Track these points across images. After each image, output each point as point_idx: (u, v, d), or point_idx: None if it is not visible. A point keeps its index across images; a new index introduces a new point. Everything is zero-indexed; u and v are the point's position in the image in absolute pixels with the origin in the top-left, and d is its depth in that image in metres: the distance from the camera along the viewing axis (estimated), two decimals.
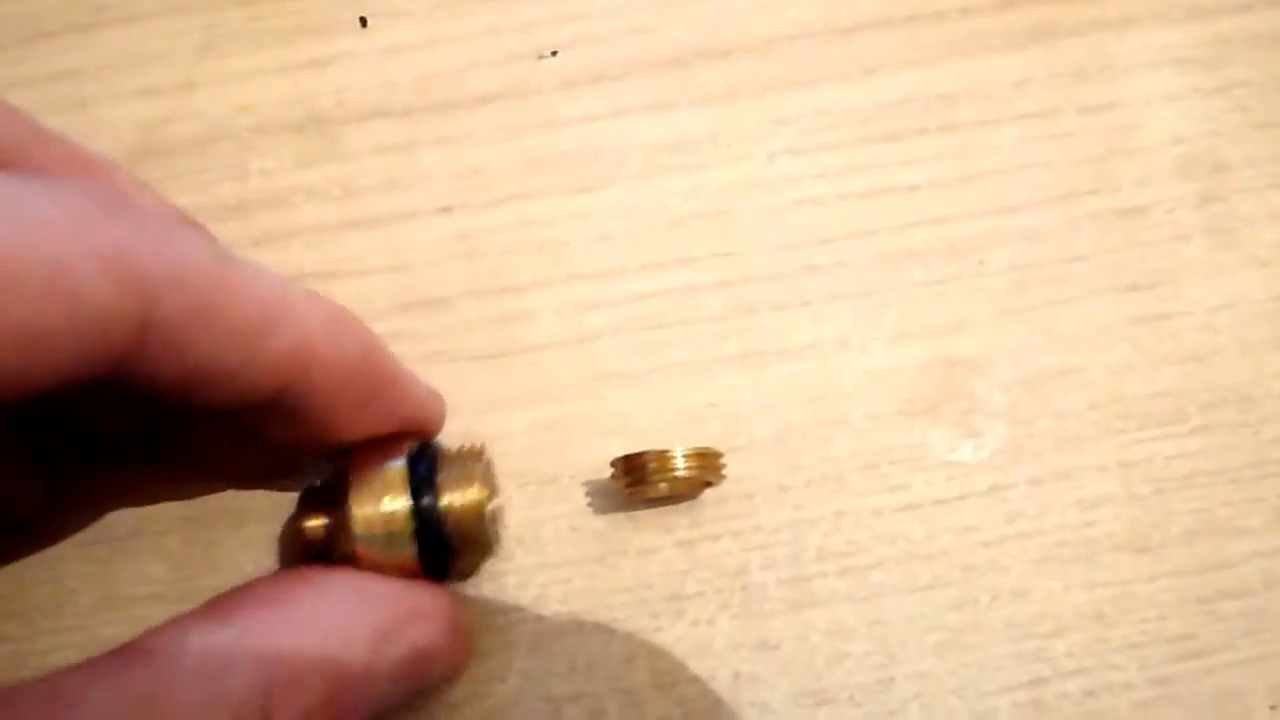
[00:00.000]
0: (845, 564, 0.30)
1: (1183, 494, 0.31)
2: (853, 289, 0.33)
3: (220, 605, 0.24)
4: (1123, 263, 0.33)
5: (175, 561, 0.30)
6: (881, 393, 0.32)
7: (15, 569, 0.30)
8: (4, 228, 0.19)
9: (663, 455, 0.29)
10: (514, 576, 0.30)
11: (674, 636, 0.30)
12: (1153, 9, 0.36)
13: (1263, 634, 0.29)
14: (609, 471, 0.30)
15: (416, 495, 0.26)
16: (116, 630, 0.30)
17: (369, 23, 0.36)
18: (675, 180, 0.34)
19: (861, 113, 0.35)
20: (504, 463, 0.31)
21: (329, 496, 0.27)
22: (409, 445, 0.27)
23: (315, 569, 0.26)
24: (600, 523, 0.31)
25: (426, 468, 0.27)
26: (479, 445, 0.28)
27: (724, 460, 0.30)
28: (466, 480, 0.27)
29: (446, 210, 0.34)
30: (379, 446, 0.27)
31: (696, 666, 0.29)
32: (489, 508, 0.27)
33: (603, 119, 0.35)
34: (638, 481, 0.29)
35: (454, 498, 0.27)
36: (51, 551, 0.31)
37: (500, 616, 0.30)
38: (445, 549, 0.27)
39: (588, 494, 0.31)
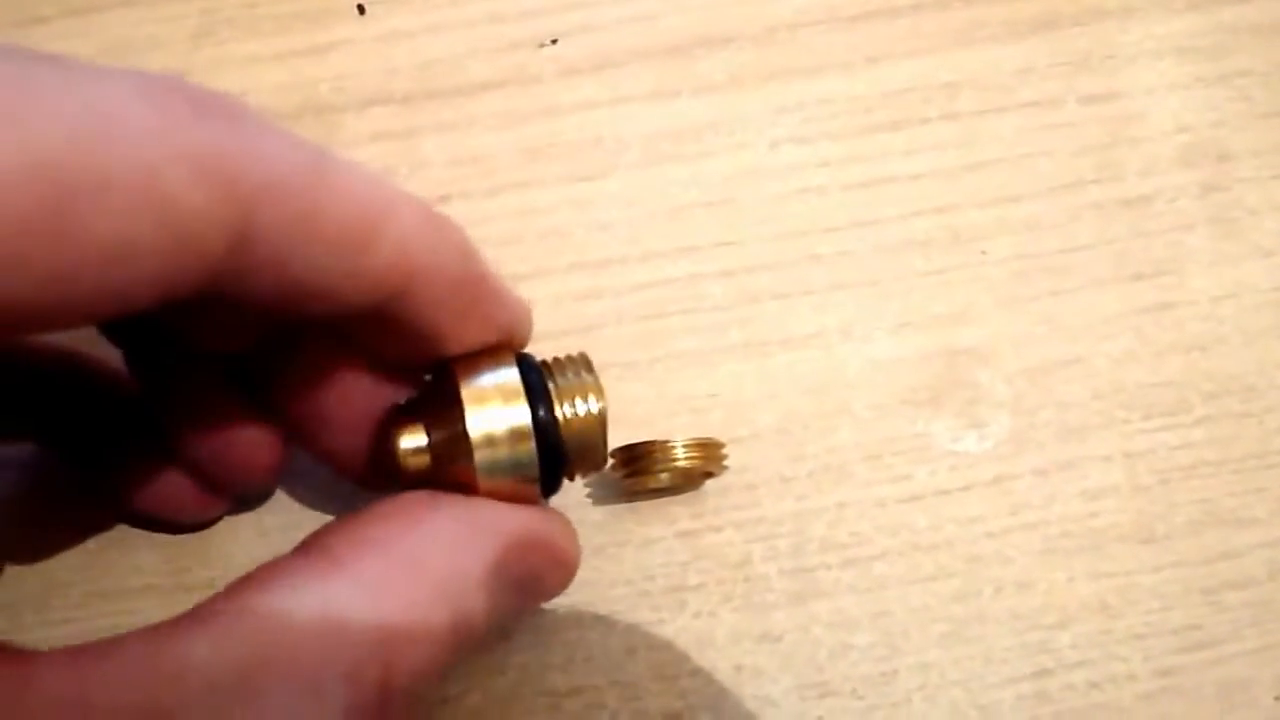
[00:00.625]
0: (848, 555, 0.30)
1: (1187, 484, 0.30)
2: (855, 278, 0.33)
3: (329, 548, 0.22)
4: (1126, 252, 0.33)
5: (167, 553, 0.30)
6: (884, 382, 0.32)
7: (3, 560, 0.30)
8: (85, 125, 0.17)
9: (664, 445, 0.29)
10: None
11: (675, 629, 0.29)
12: None
13: (1268, 624, 0.29)
14: (610, 462, 0.30)
15: (538, 410, 0.24)
16: (108, 623, 0.29)
17: (367, 9, 0.36)
18: (677, 169, 0.34)
19: (864, 101, 0.35)
20: None
21: (429, 414, 0.25)
22: (512, 356, 0.25)
23: (422, 499, 0.24)
24: (600, 514, 0.30)
25: (537, 378, 0.25)
26: (583, 353, 0.26)
27: (726, 450, 0.30)
28: (583, 388, 0.25)
29: (446, 199, 0.34)
30: (483, 358, 0.25)
31: (698, 659, 0.29)
32: (604, 419, 0.25)
33: (603, 107, 0.35)
34: (638, 472, 0.29)
35: (574, 408, 0.25)
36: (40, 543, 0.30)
37: None
38: (561, 462, 0.25)
39: (587, 485, 0.31)
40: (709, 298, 0.32)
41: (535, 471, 0.24)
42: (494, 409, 0.24)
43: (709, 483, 0.31)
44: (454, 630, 0.22)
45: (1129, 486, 0.30)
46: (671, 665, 0.29)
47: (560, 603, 0.29)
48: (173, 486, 0.28)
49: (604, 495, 0.31)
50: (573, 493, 0.31)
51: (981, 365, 0.32)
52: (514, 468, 0.24)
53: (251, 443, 0.27)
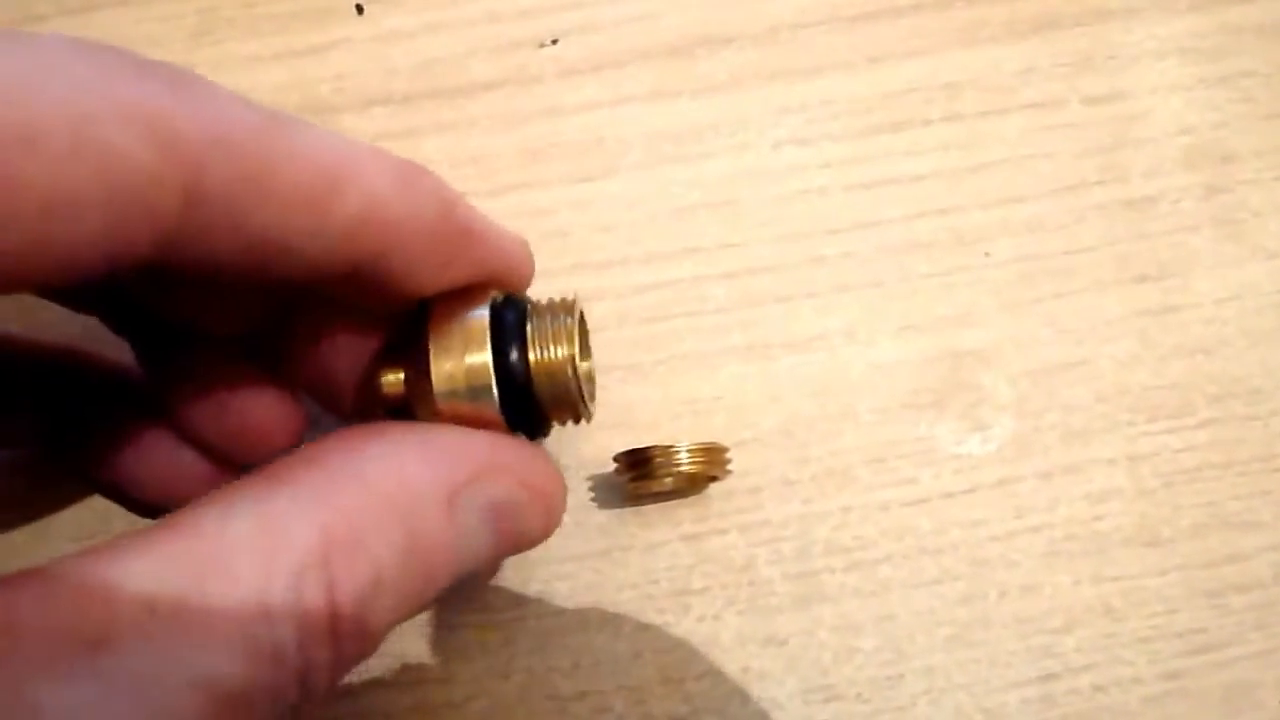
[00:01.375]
0: (853, 559, 0.30)
1: (1191, 487, 0.30)
2: (858, 280, 0.33)
3: (274, 469, 0.21)
4: (1129, 254, 0.33)
5: None
6: (888, 385, 0.32)
7: (3, 562, 0.30)
8: (16, 76, 0.17)
9: (667, 450, 0.29)
10: (517, 572, 0.30)
11: (681, 632, 0.29)
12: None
13: (1273, 627, 0.29)
14: (613, 465, 0.30)
15: (502, 348, 0.24)
16: None
17: (366, 9, 0.36)
18: (678, 170, 0.34)
19: (866, 102, 0.35)
20: None
21: (408, 350, 0.25)
22: (494, 295, 0.25)
23: (378, 425, 0.23)
24: (605, 517, 0.30)
25: (514, 318, 0.25)
26: (571, 297, 0.26)
27: (729, 455, 0.30)
28: (555, 334, 0.25)
29: None
30: (461, 297, 0.24)
31: (703, 662, 0.29)
32: (578, 364, 0.25)
33: (604, 107, 0.35)
34: (642, 476, 0.29)
35: (541, 352, 0.24)
36: (44, 547, 0.30)
37: (502, 613, 0.29)
38: (533, 406, 0.25)
39: (592, 488, 0.31)
40: (712, 300, 0.32)
41: (497, 412, 0.24)
42: (459, 350, 0.24)
43: (713, 486, 0.30)
44: (408, 551, 0.21)
45: (1133, 490, 0.30)
46: (677, 669, 0.29)
47: (565, 606, 0.29)
48: (185, 474, 0.28)
49: (608, 498, 0.30)
50: (577, 495, 0.30)
51: (985, 368, 0.32)
52: (476, 408, 0.24)
53: (273, 413, 0.27)
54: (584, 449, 0.31)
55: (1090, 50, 0.35)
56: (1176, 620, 0.29)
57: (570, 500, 0.30)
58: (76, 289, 0.27)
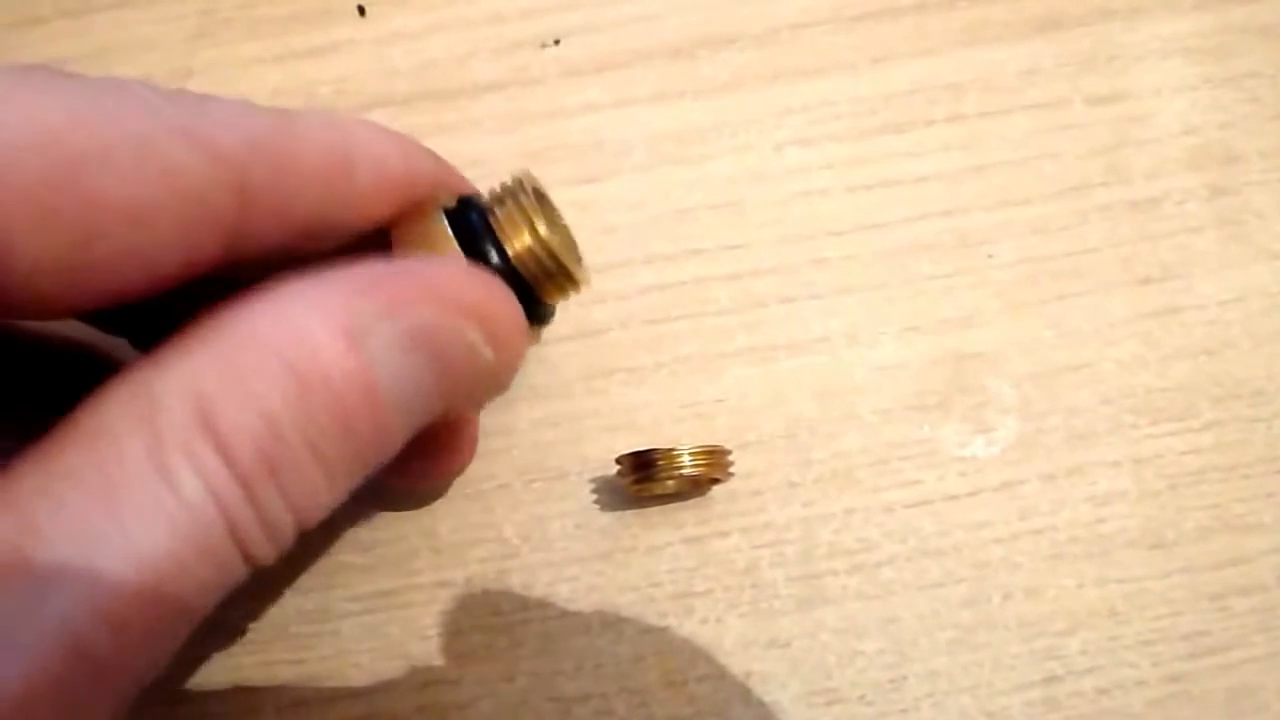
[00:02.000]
0: (856, 561, 0.30)
1: (1195, 489, 0.30)
2: (861, 282, 0.32)
3: (159, 347, 0.20)
4: (1133, 255, 0.33)
5: None
6: (891, 387, 0.31)
7: None
8: (79, 104, 0.19)
9: (669, 453, 0.29)
10: (520, 575, 0.30)
11: (683, 635, 0.29)
12: None
13: (1276, 630, 0.29)
14: (616, 468, 0.29)
15: (478, 251, 0.24)
16: None
17: (367, 10, 0.36)
18: (681, 171, 0.34)
19: (869, 103, 0.34)
20: (510, 459, 0.31)
21: None
22: (444, 198, 0.24)
23: (273, 284, 0.21)
24: (607, 519, 0.30)
25: (478, 218, 0.24)
26: (519, 173, 0.25)
27: (732, 457, 0.30)
28: (521, 217, 0.24)
29: None
30: (414, 215, 0.24)
31: (706, 665, 0.29)
32: (553, 237, 0.24)
33: (607, 109, 0.35)
34: (644, 479, 0.29)
35: (516, 241, 0.24)
36: None
37: (507, 616, 0.29)
38: (527, 295, 0.24)
39: (594, 490, 0.31)
40: (714, 302, 0.32)
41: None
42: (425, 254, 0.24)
43: (716, 488, 0.30)
44: (299, 391, 0.19)
45: (1137, 492, 0.30)
46: (680, 672, 0.29)
47: (568, 609, 0.29)
48: None
49: (611, 501, 0.30)
50: (579, 498, 0.30)
51: (989, 370, 0.32)
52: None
53: None
54: (587, 451, 0.31)
55: (1094, 50, 0.35)
56: (1180, 623, 0.29)
57: (573, 503, 0.30)
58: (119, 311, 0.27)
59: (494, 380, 0.24)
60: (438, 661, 0.29)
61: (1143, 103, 0.34)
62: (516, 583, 0.30)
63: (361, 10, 0.36)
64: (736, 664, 0.29)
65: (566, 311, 0.32)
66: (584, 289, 0.26)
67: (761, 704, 0.29)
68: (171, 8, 0.36)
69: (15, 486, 0.18)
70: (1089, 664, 0.29)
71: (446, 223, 0.24)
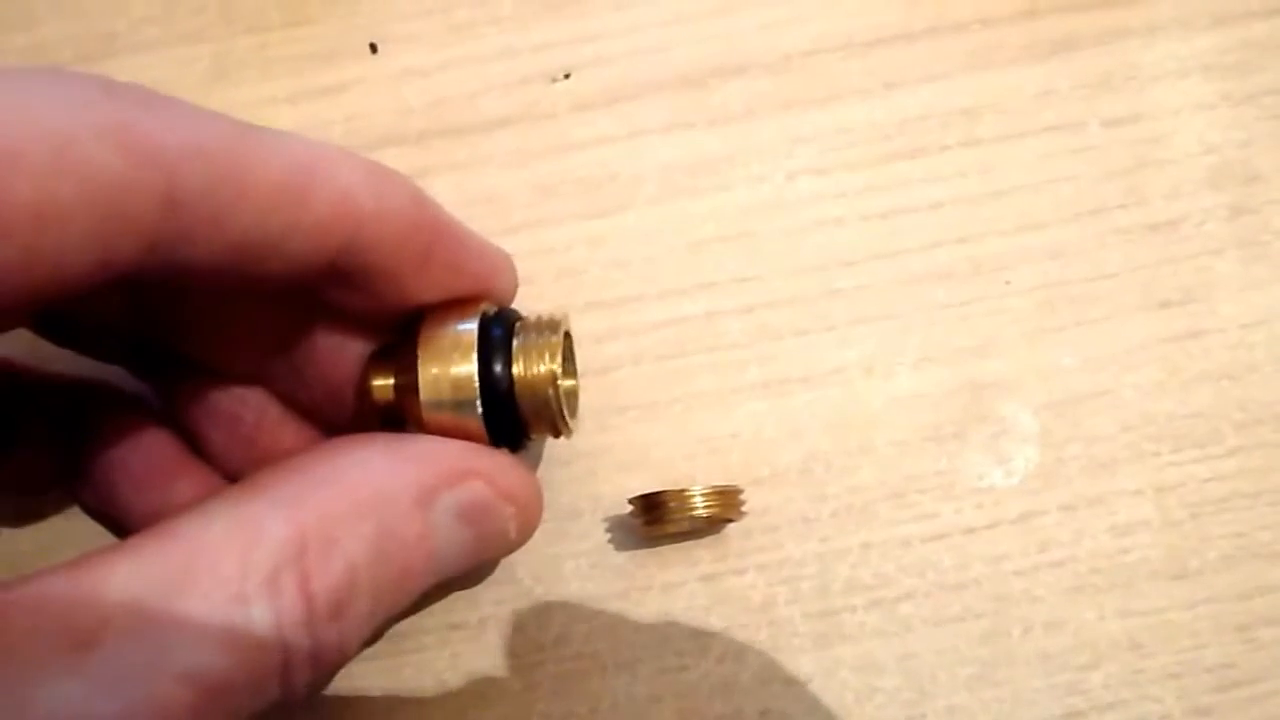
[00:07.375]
0: (873, 596, 0.30)
1: (1220, 518, 0.30)
2: (876, 312, 0.32)
3: (253, 478, 0.23)
4: (1153, 279, 0.32)
5: None
6: (908, 419, 0.31)
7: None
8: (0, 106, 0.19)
9: (681, 494, 0.29)
10: (535, 616, 0.30)
11: (700, 674, 0.29)
12: (1177, 16, 0.35)
13: None
14: (629, 507, 0.29)
15: (487, 361, 0.25)
16: None
17: (379, 49, 0.36)
18: (693, 203, 0.34)
19: (882, 129, 0.34)
20: None
21: (399, 358, 0.26)
22: (484, 308, 0.26)
23: (356, 437, 0.25)
24: (622, 558, 0.30)
25: (501, 333, 0.26)
26: (560, 315, 0.27)
27: (744, 496, 0.29)
28: (540, 350, 0.26)
29: None
30: (453, 309, 0.26)
31: (723, 705, 0.29)
32: (560, 381, 0.26)
33: (618, 141, 0.34)
34: (656, 520, 0.29)
35: (525, 367, 0.26)
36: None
37: (521, 657, 0.29)
38: (515, 419, 0.26)
39: (608, 529, 0.30)
40: (728, 335, 0.32)
41: (480, 422, 0.25)
42: (445, 360, 0.25)
43: (731, 525, 0.30)
44: (380, 548, 0.22)
45: (1160, 521, 0.30)
46: (697, 712, 0.29)
47: (583, 650, 0.29)
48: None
49: (625, 540, 0.30)
50: (593, 537, 0.30)
51: (1007, 399, 0.31)
52: (460, 418, 0.25)
53: (289, 440, 0.29)
54: (600, 490, 0.31)
55: (1110, 70, 0.34)
56: (1205, 655, 0.29)
57: (587, 542, 0.30)
58: (95, 331, 0.28)
59: (511, 547, 0.27)
60: (452, 705, 0.29)
61: (1160, 123, 0.34)
62: (530, 624, 0.30)
63: (374, 48, 0.36)
64: (754, 702, 0.29)
65: (579, 348, 0.31)
66: (563, 438, 0.28)
67: None
68: (186, 50, 0.36)
69: (80, 567, 0.20)
70: (1112, 698, 0.28)
71: (477, 332, 0.25)
